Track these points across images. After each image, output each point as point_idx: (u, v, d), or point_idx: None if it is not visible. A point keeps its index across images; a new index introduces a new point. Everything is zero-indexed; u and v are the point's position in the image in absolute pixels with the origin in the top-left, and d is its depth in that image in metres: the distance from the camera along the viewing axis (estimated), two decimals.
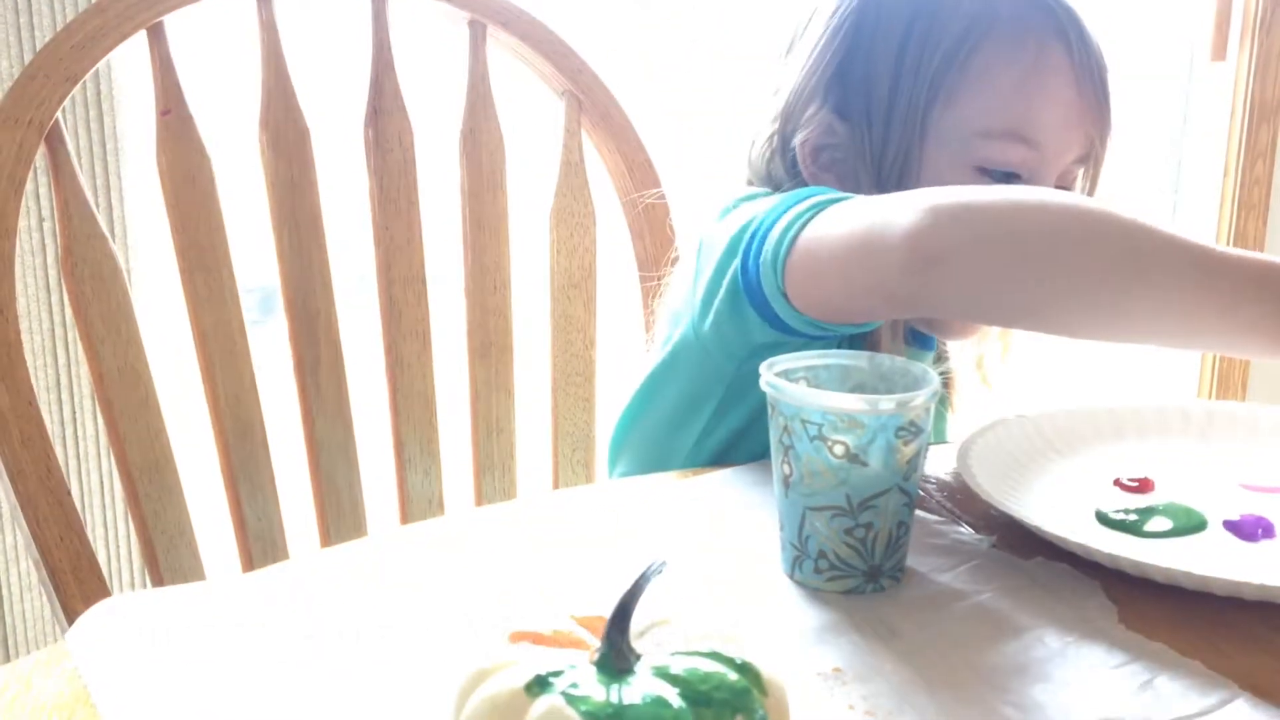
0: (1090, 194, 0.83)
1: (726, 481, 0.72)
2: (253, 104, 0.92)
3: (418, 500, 0.98)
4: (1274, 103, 1.95)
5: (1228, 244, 2.01)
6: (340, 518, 0.95)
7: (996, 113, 0.78)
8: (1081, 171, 0.83)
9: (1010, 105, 0.78)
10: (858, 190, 0.76)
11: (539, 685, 0.40)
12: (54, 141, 0.83)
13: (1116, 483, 0.69)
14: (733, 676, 0.40)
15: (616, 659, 0.41)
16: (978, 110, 0.78)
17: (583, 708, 0.39)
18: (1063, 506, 0.66)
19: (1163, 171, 2.00)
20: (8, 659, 1.65)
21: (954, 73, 0.78)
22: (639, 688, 0.40)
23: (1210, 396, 2.04)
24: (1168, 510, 0.65)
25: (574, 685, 0.40)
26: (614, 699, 0.39)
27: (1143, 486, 0.68)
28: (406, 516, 0.98)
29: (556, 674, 0.40)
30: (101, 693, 0.49)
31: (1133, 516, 0.64)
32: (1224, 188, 2.02)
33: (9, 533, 1.59)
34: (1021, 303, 0.64)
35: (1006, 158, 0.78)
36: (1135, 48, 1.92)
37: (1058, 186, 0.80)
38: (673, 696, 0.39)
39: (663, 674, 0.40)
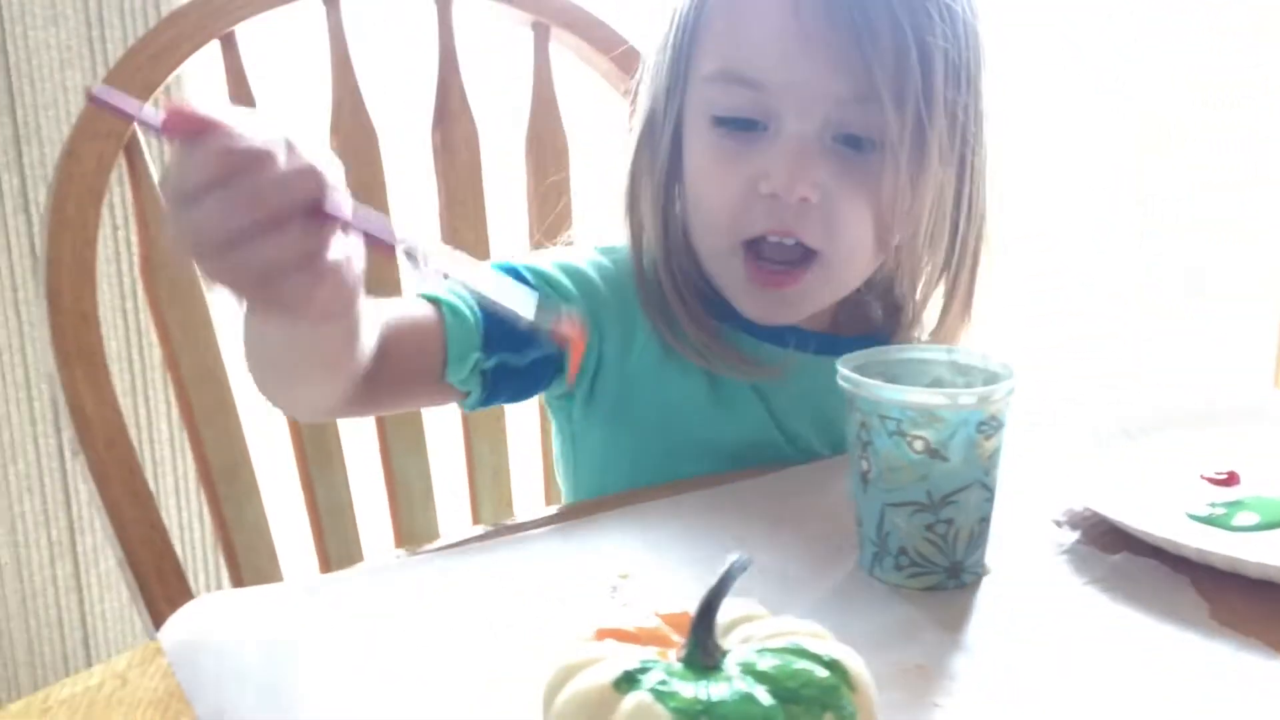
0: (921, 146, 0.69)
1: (791, 480, 0.71)
2: (323, 110, 0.94)
3: (486, 500, 0.99)
4: None
5: None
6: (413, 517, 0.96)
7: (711, 52, 0.72)
8: (894, 118, 0.68)
9: (722, 42, 0.71)
10: (643, 177, 0.76)
11: (627, 682, 0.40)
12: (132, 152, 0.85)
13: (1202, 477, 0.68)
14: (821, 673, 0.40)
15: (703, 655, 0.41)
16: (701, 53, 0.72)
17: (671, 704, 0.39)
18: (1147, 501, 0.65)
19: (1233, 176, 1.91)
20: (89, 658, 1.69)
21: (693, 18, 0.72)
22: (727, 685, 0.40)
23: None
24: (1255, 504, 0.64)
25: (662, 682, 0.40)
26: (702, 695, 0.39)
27: (1229, 480, 0.67)
28: (477, 517, 0.99)
29: (644, 670, 0.40)
30: (194, 688, 0.50)
31: (1220, 511, 0.63)
32: None
33: (88, 534, 1.63)
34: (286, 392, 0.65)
35: (730, 102, 0.70)
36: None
37: (840, 136, 0.69)
38: (762, 694, 0.39)
39: (750, 671, 0.40)
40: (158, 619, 0.81)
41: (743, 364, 0.75)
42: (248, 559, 0.88)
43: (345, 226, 0.48)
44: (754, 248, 0.72)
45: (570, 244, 0.85)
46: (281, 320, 0.52)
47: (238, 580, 0.88)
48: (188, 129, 0.46)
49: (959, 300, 0.77)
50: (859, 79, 0.68)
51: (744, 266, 0.72)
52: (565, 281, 0.75)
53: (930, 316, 0.79)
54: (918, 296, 0.78)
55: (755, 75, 0.69)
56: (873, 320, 0.82)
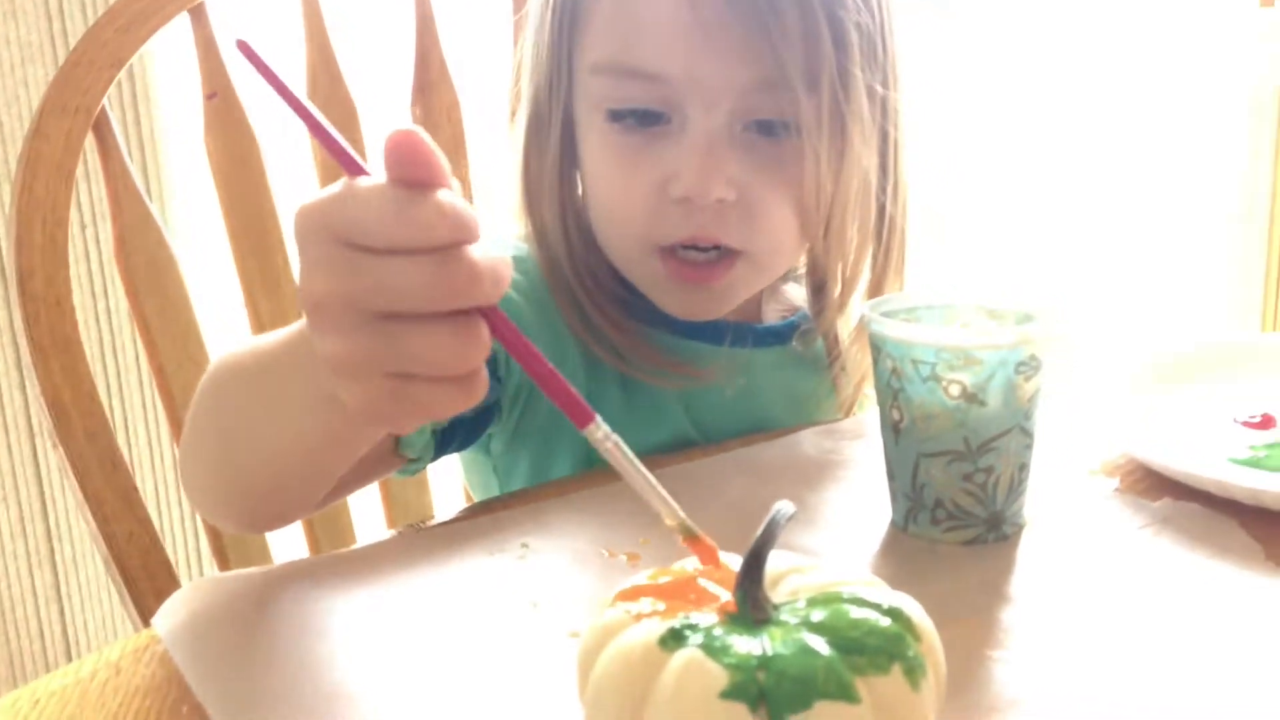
0: (840, 133, 0.64)
1: (805, 444, 0.68)
2: (298, 83, 0.90)
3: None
4: None
5: None
6: (408, 501, 0.92)
7: (598, 40, 0.65)
8: (808, 104, 0.63)
9: (609, 29, 0.65)
10: (536, 172, 0.70)
11: (674, 639, 0.37)
12: (102, 129, 0.81)
13: (1237, 421, 0.66)
14: (884, 622, 0.37)
15: (753, 609, 0.38)
16: (586, 39, 0.66)
17: (725, 660, 0.36)
18: (1186, 446, 0.62)
19: (1217, 136, 1.90)
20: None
21: (573, 4, 0.66)
22: (783, 637, 0.37)
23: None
24: None
25: (712, 637, 0.36)
26: (757, 650, 0.36)
27: (1264, 423, 0.65)
28: (469, 495, 0.95)
29: (691, 627, 0.37)
30: (194, 672, 0.46)
31: (1261, 453, 0.61)
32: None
33: (66, 543, 1.58)
34: (221, 459, 0.56)
35: (625, 94, 0.64)
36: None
37: (751, 123, 0.64)
38: (821, 645, 0.36)
39: (805, 623, 0.37)
40: (146, 616, 0.78)
41: (670, 368, 0.70)
42: (237, 550, 0.84)
43: (508, 346, 0.39)
44: (671, 249, 0.66)
45: None
46: (369, 421, 0.41)
47: (227, 569, 0.84)
48: (416, 169, 0.37)
49: (891, 273, 0.73)
50: (766, 66, 0.62)
51: (662, 265, 0.67)
52: None
53: (859, 292, 0.74)
54: (846, 275, 0.72)
55: (651, 68, 0.63)
56: (795, 303, 0.78)
